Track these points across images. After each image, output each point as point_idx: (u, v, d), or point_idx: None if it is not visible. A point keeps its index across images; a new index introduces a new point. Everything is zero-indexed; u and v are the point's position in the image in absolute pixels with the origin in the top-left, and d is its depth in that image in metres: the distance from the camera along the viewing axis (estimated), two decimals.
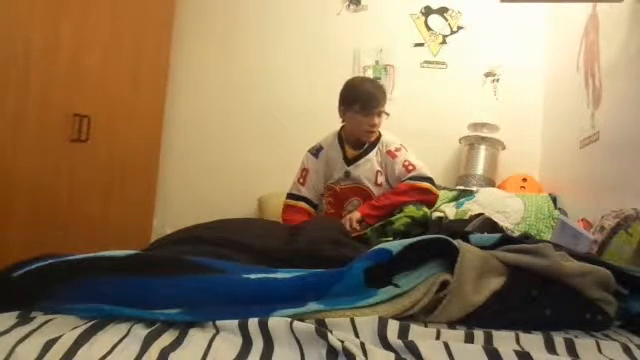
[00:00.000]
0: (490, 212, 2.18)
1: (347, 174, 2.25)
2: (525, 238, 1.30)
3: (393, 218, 2.04)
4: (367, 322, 0.82)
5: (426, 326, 0.90)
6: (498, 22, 3.05)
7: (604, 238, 1.49)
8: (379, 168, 2.23)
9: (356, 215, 2.12)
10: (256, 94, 3.11)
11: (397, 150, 2.23)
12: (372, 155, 2.24)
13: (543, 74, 3.04)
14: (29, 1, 2.52)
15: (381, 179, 2.23)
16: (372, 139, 2.25)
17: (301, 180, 2.31)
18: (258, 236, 1.40)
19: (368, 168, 2.23)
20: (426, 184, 2.14)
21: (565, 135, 2.57)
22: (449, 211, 2.29)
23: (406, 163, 2.18)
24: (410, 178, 2.15)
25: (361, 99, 2.17)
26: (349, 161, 2.26)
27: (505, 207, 2.30)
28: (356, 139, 2.26)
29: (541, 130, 3.01)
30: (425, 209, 2.09)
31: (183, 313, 0.85)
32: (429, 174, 2.18)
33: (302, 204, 2.29)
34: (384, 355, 0.72)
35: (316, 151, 2.33)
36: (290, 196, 2.32)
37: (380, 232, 2.03)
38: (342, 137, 2.31)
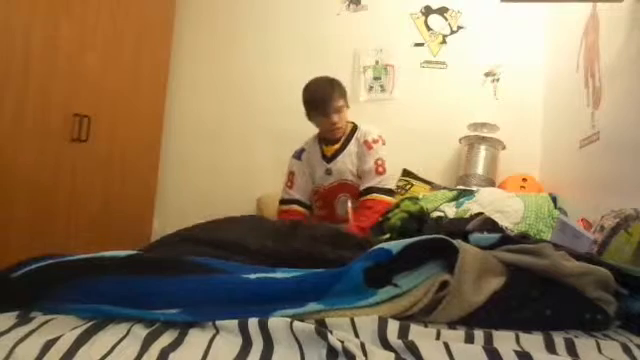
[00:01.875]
0: (490, 212, 2.17)
1: (328, 171, 2.30)
2: (522, 238, 1.30)
3: (389, 214, 2.04)
4: (367, 322, 0.82)
5: (426, 326, 0.89)
6: (498, 22, 3.05)
7: (604, 238, 1.48)
8: (356, 160, 2.26)
9: None
10: (256, 94, 3.11)
11: (374, 142, 2.27)
12: (350, 148, 2.29)
13: (543, 74, 3.03)
14: (29, 1, 2.51)
15: None
16: (339, 134, 2.30)
17: (289, 184, 2.37)
18: (254, 236, 1.39)
19: (348, 162, 2.27)
20: (390, 199, 2.22)
21: (565, 135, 2.57)
22: (449, 211, 2.29)
23: (379, 162, 2.24)
24: (377, 190, 2.21)
25: (316, 105, 2.26)
26: (328, 159, 2.31)
27: (505, 207, 2.29)
28: (327, 137, 2.32)
29: (541, 130, 3.01)
30: (422, 204, 2.11)
31: (183, 313, 0.85)
32: (392, 185, 2.29)
33: (295, 207, 2.32)
34: (384, 355, 0.72)
35: (298, 154, 2.41)
36: (282, 202, 2.36)
37: (377, 228, 2.04)
38: (320, 136, 2.36)
